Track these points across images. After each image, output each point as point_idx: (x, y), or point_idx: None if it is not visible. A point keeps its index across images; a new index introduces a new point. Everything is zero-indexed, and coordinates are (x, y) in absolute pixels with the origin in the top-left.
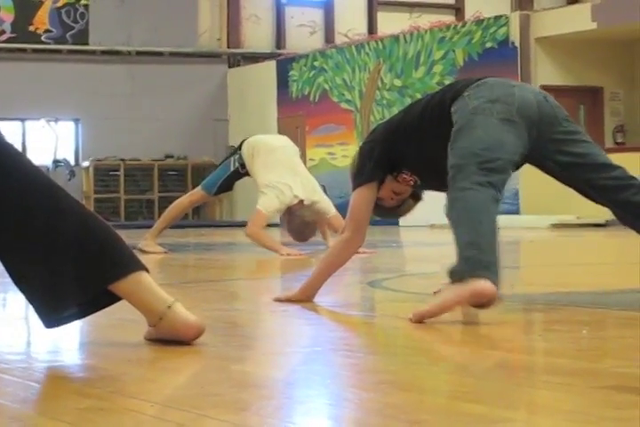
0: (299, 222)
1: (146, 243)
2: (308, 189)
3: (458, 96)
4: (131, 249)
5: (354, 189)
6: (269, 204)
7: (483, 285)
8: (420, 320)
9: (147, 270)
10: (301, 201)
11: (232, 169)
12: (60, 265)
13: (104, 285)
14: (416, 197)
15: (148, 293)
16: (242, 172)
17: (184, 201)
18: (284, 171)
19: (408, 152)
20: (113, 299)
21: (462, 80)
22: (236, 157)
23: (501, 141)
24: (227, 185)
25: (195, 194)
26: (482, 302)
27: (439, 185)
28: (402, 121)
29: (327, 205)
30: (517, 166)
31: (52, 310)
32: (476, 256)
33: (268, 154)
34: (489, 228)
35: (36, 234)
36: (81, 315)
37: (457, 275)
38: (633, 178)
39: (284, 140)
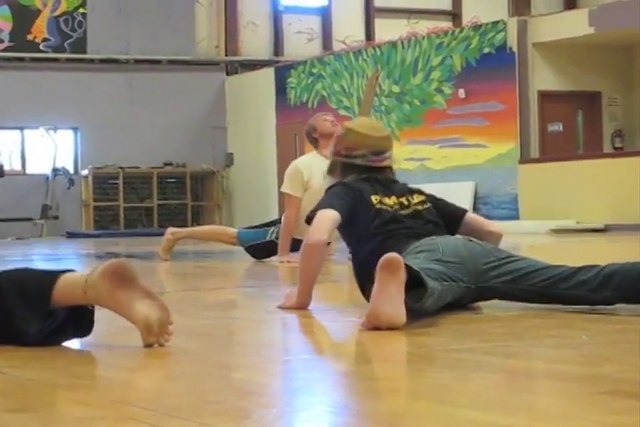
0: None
1: (170, 238)
2: None
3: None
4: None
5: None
6: (293, 184)
7: (386, 255)
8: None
9: (71, 270)
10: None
11: (267, 239)
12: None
13: (47, 298)
14: None
15: (72, 275)
16: (277, 242)
17: (218, 233)
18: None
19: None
20: (84, 312)
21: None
22: (275, 228)
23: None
24: (257, 251)
25: (229, 235)
26: (394, 266)
27: None
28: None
29: None
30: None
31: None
32: None
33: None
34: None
35: None
36: (68, 335)
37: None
38: (575, 267)
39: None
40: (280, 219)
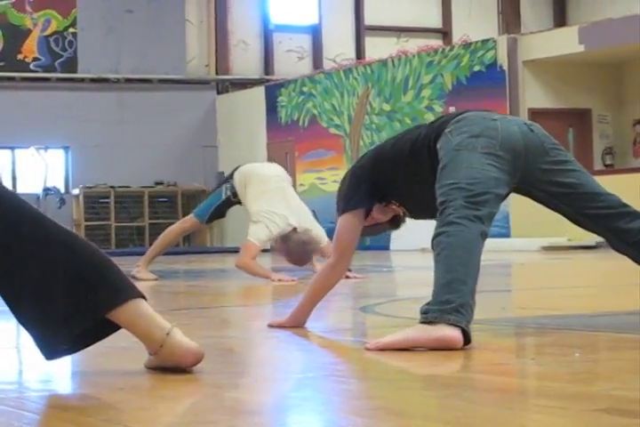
0: (296, 244)
1: (138, 269)
2: (301, 218)
3: (441, 132)
4: (126, 276)
5: (340, 213)
6: (260, 233)
7: (450, 333)
8: (375, 349)
9: (144, 297)
10: (294, 229)
11: (224, 197)
12: (53, 295)
13: (101, 313)
14: (395, 224)
15: (147, 320)
16: (234, 200)
17: (176, 228)
18: (276, 200)
19: (396, 184)
20: (112, 328)
21: (445, 115)
22: (228, 185)
23: (487, 176)
24: (219, 213)
25: (187, 221)
26: (446, 348)
27: (428, 217)
28: (391, 151)
29: (320, 234)
30: (504, 198)
31: (49, 341)
32: (452, 300)
33: (260, 183)
34: (471, 269)
35: (26, 264)
36: (80, 346)
37: (428, 317)
38: (626, 206)
39: (277, 170)
40: (231, 175)
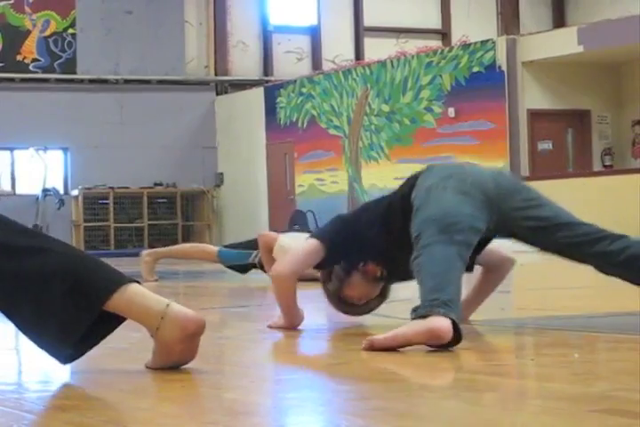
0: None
1: (147, 260)
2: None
3: (413, 187)
4: (112, 267)
5: (311, 236)
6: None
7: (440, 322)
8: (369, 348)
9: (137, 281)
10: None
11: (250, 261)
12: (49, 299)
13: (100, 303)
14: (383, 295)
15: (145, 298)
16: (259, 266)
17: (198, 252)
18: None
19: (375, 241)
20: (115, 322)
21: (415, 172)
22: (258, 254)
23: (460, 211)
24: (239, 269)
25: (210, 253)
26: (437, 340)
27: (406, 275)
28: (371, 212)
29: None
30: (486, 239)
31: (59, 344)
32: (440, 297)
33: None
34: (455, 275)
35: (20, 272)
36: (90, 343)
37: (418, 312)
38: (602, 231)
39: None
40: None
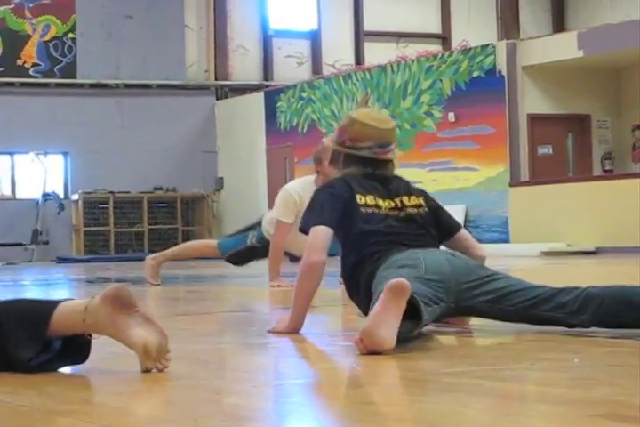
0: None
1: (152, 264)
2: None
3: (372, 278)
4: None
5: (309, 228)
6: (282, 211)
7: (394, 280)
8: (360, 340)
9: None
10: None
11: (248, 243)
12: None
13: (43, 328)
14: None
15: (68, 308)
16: (258, 246)
17: (197, 249)
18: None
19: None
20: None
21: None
22: (254, 233)
23: (421, 293)
24: (239, 258)
25: (209, 246)
26: (402, 292)
27: None
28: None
29: None
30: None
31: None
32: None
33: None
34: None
35: None
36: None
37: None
38: (557, 288)
39: None
40: (260, 222)
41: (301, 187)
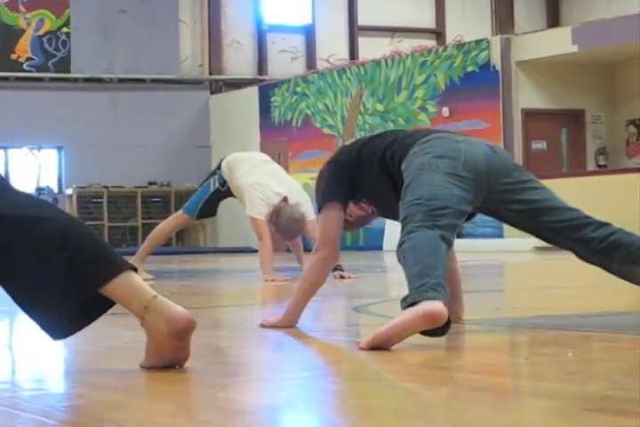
0: (288, 221)
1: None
2: (292, 189)
3: (406, 153)
4: (114, 250)
5: (321, 206)
6: (257, 208)
7: (432, 305)
8: (367, 347)
9: (135, 269)
10: (285, 198)
11: (212, 189)
12: (49, 273)
13: (97, 286)
14: (366, 221)
15: (135, 287)
16: (222, 190)
17: (167, 225)
18: (263, 172)
19: (365, 184)
20: (105, 305)
21: (415, 132)
22: (216, 177)
23: (449, 193)
24: (208, 207)
25: (177, 217)
26: (433, 323)
27: (392, 217)
28: (364, 152)
29: (309, 209)
30: (470, 217)
31: (52, 319)
32: (426, 282)
33: (245, 162)
34: (439, 259)
35: (18, 245)
36: (81, 324)
37: (407, 300)
38: (588, 217)
39: (264, 156)
40: (219, 166)
41: (285, 188)
